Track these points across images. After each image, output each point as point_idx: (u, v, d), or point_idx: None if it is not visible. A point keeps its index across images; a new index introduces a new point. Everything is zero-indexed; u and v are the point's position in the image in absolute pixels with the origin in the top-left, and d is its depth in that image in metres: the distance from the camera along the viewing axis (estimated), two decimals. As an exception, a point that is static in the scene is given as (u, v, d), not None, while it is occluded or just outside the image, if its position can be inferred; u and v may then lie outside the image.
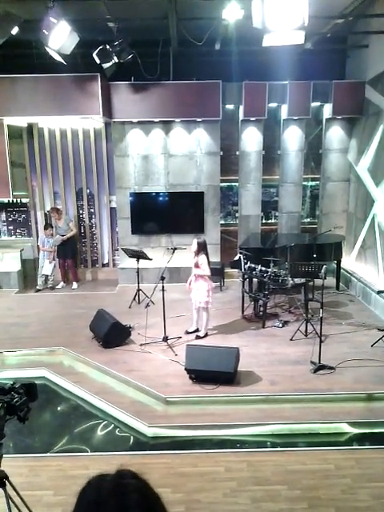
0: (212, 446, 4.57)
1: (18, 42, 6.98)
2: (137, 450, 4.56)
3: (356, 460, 4.24)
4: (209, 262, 6.38)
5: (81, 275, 9.88)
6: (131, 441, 4.70)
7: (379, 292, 6.57)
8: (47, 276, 9.23)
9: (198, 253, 6.35)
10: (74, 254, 9.55)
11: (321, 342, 5.71)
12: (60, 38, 6.17)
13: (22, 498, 3.17)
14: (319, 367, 5.61)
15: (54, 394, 5.61)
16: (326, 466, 4.17)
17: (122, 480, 0.94)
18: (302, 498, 3.76)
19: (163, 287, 6.24)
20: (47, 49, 6.39)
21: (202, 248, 6.38)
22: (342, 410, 4.97)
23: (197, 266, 6.33)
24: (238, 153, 9.36)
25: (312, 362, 5.72)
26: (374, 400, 5.12)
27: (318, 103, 9.01)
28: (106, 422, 5.00)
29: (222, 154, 9.24)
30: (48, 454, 4.48)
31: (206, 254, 6.39)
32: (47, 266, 9.17)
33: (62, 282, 9.46)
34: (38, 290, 9.15)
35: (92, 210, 9.86)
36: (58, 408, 5.40)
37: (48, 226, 9.23)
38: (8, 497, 2.99)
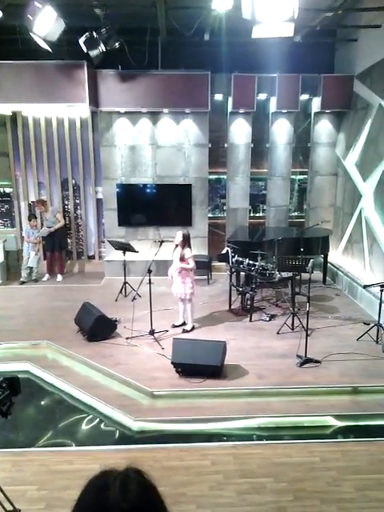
0: (198, 439, 4.54)
1: (2, 27, 6.80)
2: (122, 443, 4.52)
3: (341, 452, 4.27)
4: (191, 256, 6.34)
5: (66, 267, 9.75)
6: (117, 435, 4.65)
7: (365, 286, 6.60)
8: (32, 268, 9.08)
9: (183, 246, 6.29)
10: (62, 246, 9.41)
11: (307, 335, 5.72)
12: (45, 23, 6.02)
13: (4, 494, 3.11)
14: (305, 361, 5.63)
15: (37, 387, 5.53)
16: (312, 458, 4.20)
17: (127, 472, 1.12)
18: (288, 490, 3.77)
19: (150, 280, 6.18)
20: (32, 35, 6.22)
21: (188, 241, 6.33)
22: (327, 403, 5.00)
23: (182, 259, 6.27)
24: (226, 145, 9.30)
25: (298, 356, 5.73)
26: (360, 393, 5.16)
27: (306, 96, 8.99)
28: (91, 416, 4.94)
29: (210, 146, 9.17)
30: (32, 449, 4.41)
31: (190, 247, 6.35)
32: (33, 258, 9.02)
33: (47, 274, 9.32)
34: (23, 283, 9.00)
35: (77, 201, 9.72)
36: (42, 402, 5.33)
37: (32, 216, 9.07)
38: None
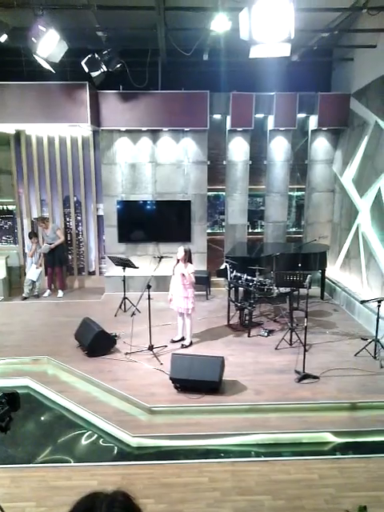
0: (196, 456, 4.54)
1: (7, 49, 6.97)
2: (121, 460, 4.52)
3: (339, 469, 4.27)
4: (194, 271, 6.42)
5: (67, 283, 9.82)
6: (115, 451, 4.65)
7: (363, 301, 6.64)
8: (33, 281, 9.13)
9: (185, 261, 6.37)
10: (63, 262, 9.49)
11: (305, 351, 5.75)
12: (49, 46, 6.16)
13: (3, 510, 3.12)
14: (303, 376, 5.65)
15: (37, 403, 5.54)
16: (310, 475, 4.19)
17: (115, 495, 1.14)
18: (286, 507, 3.77)
19: (149, 296, 6.23)
20: (36, 57, 6.38)
21: (190, 256, 6.41)
22: (326, 419, 5.00)
23: (183, 274, 6.34)
24: (225, 162, 9.44)
25: (296, 372, 5.75)
26: (358, 409, 5.16)
27: (303, 114, 9.16)
28: (89, 432, 4.95)
29: (209, 163, 9.31)
30: (30, 465, 4.41)
31: (191, 262, 6.43)
32: (33, 271, 9.08)
33: (49, 290, 9.38)
34: (25, 298, 9.05)
35: (79, 218, 9.83)
36: (42, 418, 5.33)
37: (32, 234, 9.17)
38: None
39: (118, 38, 7.36)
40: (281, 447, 4.68)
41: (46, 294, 9.30)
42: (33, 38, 6.09)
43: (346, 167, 8.82)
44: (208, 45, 7.75)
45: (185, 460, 4.46)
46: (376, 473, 4.23)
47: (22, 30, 6.19)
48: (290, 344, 6.59)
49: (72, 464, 4.47)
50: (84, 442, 4.83)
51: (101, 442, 4.80)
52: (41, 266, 9.25)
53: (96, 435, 4.89)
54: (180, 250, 6.40)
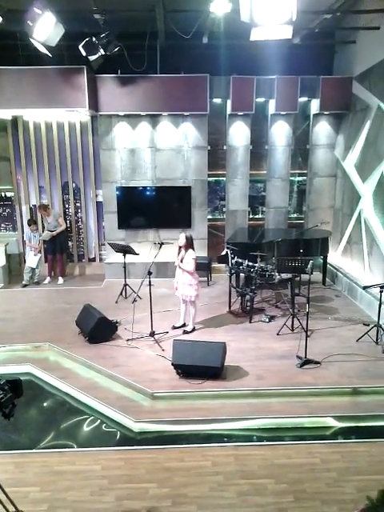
0: (199, 440, 4.57)
1: (2, 33, 6.85)
2: (123, 445, 4.54)
3: (341, 454, 4.30)
4: (195, 258, 6.37)
5: (67, 270, 9.79)
6: (118, 436, 4.68)
7: (365, 287, 6.61)
8: (33, 269, 9.11)
9: (186, 248, 6.33)
10: (63, 249, 9.46)
11: (307, 336, 5.75)
12: (45, 29, 6.05)
13: (7, 495, 3.14)
14: (305, 362, 5.66)
15: (39, 389, 5.56)
16: (312, 459, 4.22)
17: None
18: (288, 491, 3.80)
19: (150, 282, 6.21)
20: (32, 40, 6.27)
21: (190, 243, 6.36)
22: (327, 404, 5.02)
23: (182, 260, 6.31)
24: (225, 147, 9.35)
25: (298, 357, 5.76)
26: (360, 394, 5.18)
27: (305, 98, 9.04)
28: (92, 418, 4.98)
29: (209, 148, 9.22)
30: (34, 450, 4.45)
31: (193, 249, 6.38)
32: (32, 258, 9.05)
33: (49, 277, 9.36)
34: (25, 286, 9.03)
35: (78, 205, 9.76)
36: (44, 404, 5.35)
37: (31, 221, 9.12)
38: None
39: (116, 21, 7.21)
40: (283, 432, 4.70)
41: (46, 281, 9.28)
42: (29, 21, 5.98)
43: (348, 152, 8.73)
44: (208, 27, 7.59)
45: (187, 444, 4.48)
46: (378, 457, 4.26)
47: (17, 12, 6.07)
48: (292, 330, 6.59)
49: (75, 449, 4.49)
50: (87, 427, 4.86)
51: (103, 427, 4.82)
52: (40, 252, 9.22)
53: (98, 421, 4.91)
54: (181, 236, 6.36)
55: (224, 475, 3.99)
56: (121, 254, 8.15)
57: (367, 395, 5.17)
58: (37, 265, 9.12)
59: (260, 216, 9.84)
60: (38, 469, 4.11)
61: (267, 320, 7.03)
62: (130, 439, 4.62)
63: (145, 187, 9.28)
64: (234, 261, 7.14)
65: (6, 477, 3.82)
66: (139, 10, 7.11)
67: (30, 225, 9.08)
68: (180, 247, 6.38)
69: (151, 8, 6.71)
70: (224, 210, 9.72)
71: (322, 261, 8.84)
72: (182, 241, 6.32)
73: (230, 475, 3.99)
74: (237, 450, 4.36)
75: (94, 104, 8.42)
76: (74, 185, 9.64)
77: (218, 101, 9.07)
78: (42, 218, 9.45)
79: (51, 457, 4.30)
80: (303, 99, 9.02)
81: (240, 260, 7.05)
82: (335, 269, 8.93)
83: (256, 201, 9.78)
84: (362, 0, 7.54)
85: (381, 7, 6.73)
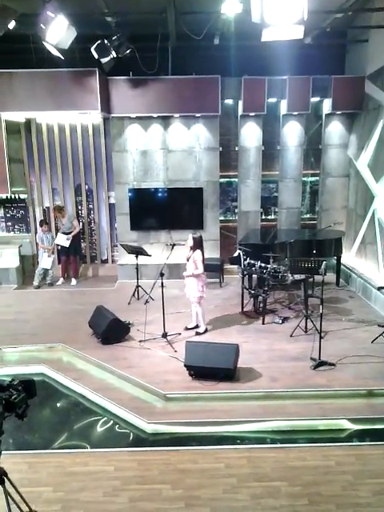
0: (212, 442, 4.54)
1: (16, 36, 6.90)
2: (136, 446, 4.54)
3: (356, 456, 4.24)
4: (203, 259, 6.34)
5: (80, 271, 9.85)
6: (131, 437, 4.68)
7: (379, 288, 6.54)
8: (47, 270, 9.18)
9: (194, 249, 6.32)
10: (77, 251, 9.53)
11: (321, 338, 5.70)
12: (58, 32, 6.09)
13: (21, 495, 3.15)
14: (319, 363, 5.60)
15: (52, 390, 5.59)
16: (327, 462, 4.17)
17: None
18: (303, 494, 3.76)
19: (162, 283, 6.21)
20: (45, 43, 6.32)
21: (198, 244, 6.35)
22: (342, 406, 4.96)
23: (188, 260, 6.31)
24: (237, 148, 9.32)
25: (312, 359, 5.71)
26: (375, 396, 5.11)
27: (317, 98, 8.98)
28: (105, 419, 4.99)
29: (221, 149, 9.20)
30: (47, 451, 4.47)
31: (202, 251, 6.36)
32: (46, 260, 9.12)
33: (62, 278, 9.42)
34: (38, 287, 9.10)
35: (91, 206, 9.82)
36: (57, 404, 5.38)
37: (43, 222, 9.20)
38: (7, 494, 2.98)
39: (128, 23, 7.23)
40: (297, 434, 4.66)
41: (59, 283, 9.34)
42: (41, 25, 6.03)
43: (361, 152, 8.65)
44: (219, 28, 7.60)
45: (201, 446, 4.46)
46: (394, 460, 4.19)
47: (30, 16, 6.11)
48: (305, 331, 6.53)
49: (89, 450, 4.51)
50: (100, 428, 4.87)
51: (117, 428, 4.83)
52: (53, 253, 9.28)
53: (112, 421, 4.92)
54: (189, 237, 6.38)
55: (237, 477, 3.96)
56: (133, 256, 8.18)
57: (382, 397, 5.09)
58: (51, 266, 9.19)
59: (272, 217, 9.79)
60: (52, 469, 4.12)
61: (280, 321, 6.98)
62: (143, 440, 4.62)
63: (157, 189, 9.29)
64: (246, 262, 7.11)
65: (19, 477, 3.84)
66: (150, 12, 7.13)
67: (41, 225, 9.15)
68: (190, 248, 6.39)
69: (162, 10, 6.73)
70: (236, 211, 9.69)
71: (335, 261, 8.75)
72: (190, 242, 6.33)
73: (243, 477, 3.96)
74: (250, 452, 4.33)
75: (106, 106, 8.46)
76: (86, 187, 9.70)
77: (229, 102, 9.06)
78: (55, 219, 9.52)
79: (64, 457, 4.32)
80: (315, 99, 8.96)
81: (252, 261, 7.01)
82: (349, 269, 8.84)
83: (268, 201, 9.73)
84: (375, -2, 7.48)
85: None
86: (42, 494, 3.78)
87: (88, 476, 4.01)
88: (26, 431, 4.72)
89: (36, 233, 9.69)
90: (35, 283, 9.12)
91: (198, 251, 6.32)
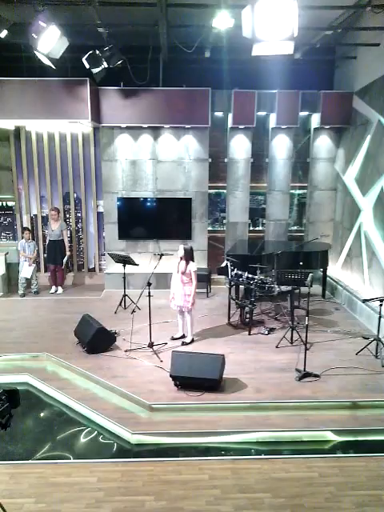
0: (196, 453, 4.53)
1: (7, 45, 6.94)
2: (120, 457, 4.50)
3: (340, 468, 4.26)
4: (196, 270, 6.41)
5: (66, 280, 9.78)
6: (115, 448, 4.64)
7: (364, 300, 6.60)
8: (28, 279, 9.09)
9: (186, 260, 6.35)
10: (62, 259, 9.44)
11: (306, 349, 5.73)
12: (49, 42, 6.12)
13: (2, 506, 3.10)
14: (304, 375, 5.62)
15: (36, 400, 5.53)
16: (310, 473, 4.18)
17: None
18: (286, 505, 3.75)
19: (149, 293, 6.21)
20: (36, 53, 6.35)
21: (189, 255, 6.38)
22: (326, 417, 4.98)
23: (184, 273, 6.32)
24: (226, 160, 9.41)
25: (297, 370, 5.73)
26: (359, 408, 5.14)
27: (306, 112, 9.14)
28: (89, 429, 4.94)
29: (210, 160, 9.28)
30: (30, 461, 4.40)
31: (193, 261, 6.41)
32: (26, 269, 9.01)
33: (54, 286, 9.32)
34: (24, 295, 9.01)
35: (79, 215, 9.80)
36: (41, 414, 5.31)
37: (26, 229, 9.11)
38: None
39: (120, 35, 7.32)
40: (281, 445, 4.66)
41: (52, 291, 9.26)
42: (33, 34, 6.05)
43: (348, 166, 8.79)
44: (210, 42, 7.71)
45: (185, 457, 4.44)
46: (376, 472, 4.21)
47: (22, 25, 6.15)
48: (291, 342, 6.57)
49: (71, 460, 4.45)
50: (83, 438, 4.82)
51: (100, 438, 4.78)
52: (34, 263, 9.17)
53: (96, 432, 4.88)
54: (180, 248, 6.40)
55: (221, 489, 3.95)
56: (121, 265, 8.16)
57: (366, 409, 5.13)
58: (31, 275, 9.09)
59: (260, 228, 9.87)
60: (34, 480, 4.06)
61: (266, 332, 7.01)
62: (126, 451, 4.58)
63: (146, 198, 9.32)
64: (233, 273, 7.14)
65: (1, 487, 3.78)
66: (143, 25, 7.22)
67: (23, 232, 9.05)
68: (181, 258, 6.41)
69: (155, 22, 6.81)
70: (224, 221, 9.75)
71: (321, 274, 8.84)
72: (181, 253, 6.35)
73: (227, 489, 3.95)
74: (234, 464, 4.32)
75: (97, 116, 8.50)
76: (75, 195, 9.69)
77: (219, 114, 9.16)
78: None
79: (47, 468, 4.26)
80: (304, 113, 9.12)
81: (240, 272, 7.05)
82: (335, 282, 8.93)
83: (256, 213, 9.82)
84: (363, 17, 7.67)
85: (381, 24, 6.84)
86: (24, 505, 3.72)
87: (71, 487, 3.96)
88: (8, 441, 4.65)
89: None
90: (20, 292, 9.03)
91: (193, 263, 6.36)
